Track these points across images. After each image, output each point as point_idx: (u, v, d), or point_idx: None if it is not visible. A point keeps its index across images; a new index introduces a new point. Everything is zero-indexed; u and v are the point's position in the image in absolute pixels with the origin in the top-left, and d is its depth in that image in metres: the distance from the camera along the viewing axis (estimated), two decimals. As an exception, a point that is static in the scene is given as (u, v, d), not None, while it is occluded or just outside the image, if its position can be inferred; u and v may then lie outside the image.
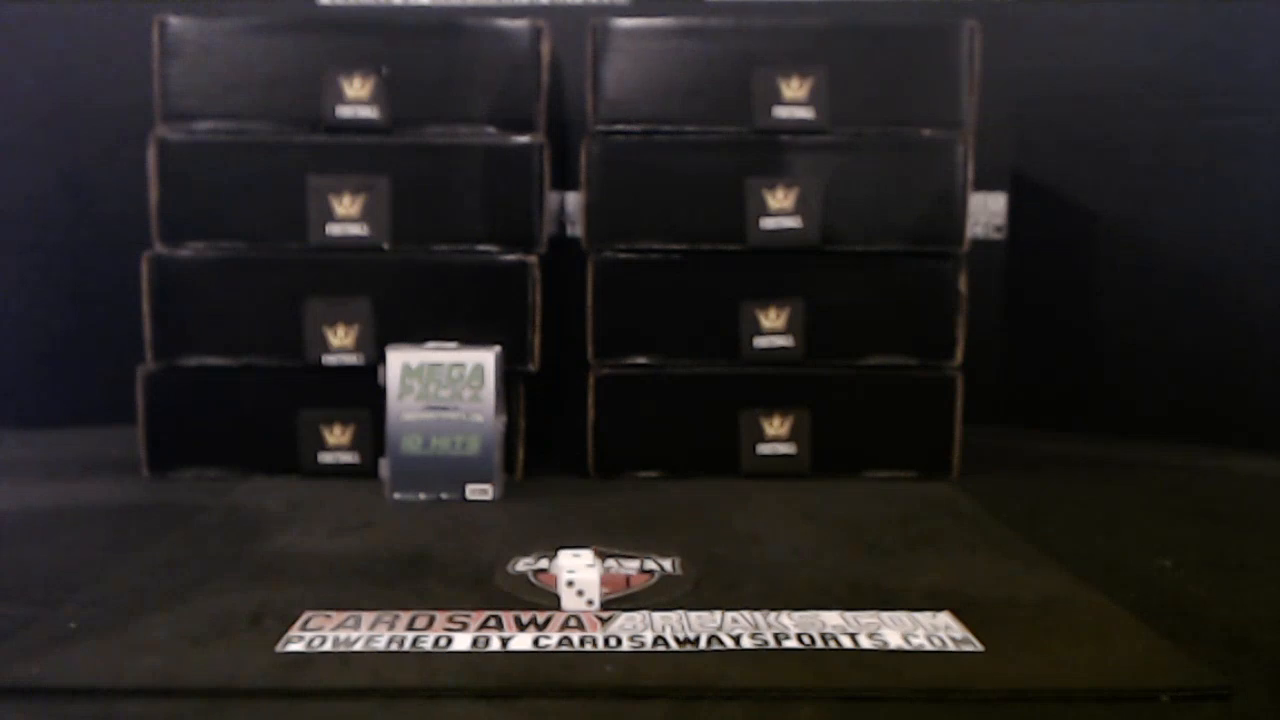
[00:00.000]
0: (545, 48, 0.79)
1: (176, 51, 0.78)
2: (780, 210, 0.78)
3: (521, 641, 0.43)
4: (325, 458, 0.78)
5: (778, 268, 0.79)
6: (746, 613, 0.46)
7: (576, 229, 0.86)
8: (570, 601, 0.47)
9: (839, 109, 0.78)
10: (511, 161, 0.79)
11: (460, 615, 0.45)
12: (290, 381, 0.78)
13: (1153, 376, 1.00)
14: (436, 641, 0.43)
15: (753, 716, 0.37)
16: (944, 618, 0.46)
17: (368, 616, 0.45)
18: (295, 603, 0.47)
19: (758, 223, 0.78)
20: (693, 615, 0.46)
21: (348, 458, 0.78)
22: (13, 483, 0.79)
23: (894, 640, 0.43)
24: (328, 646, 0.42)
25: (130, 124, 0.85)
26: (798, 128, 0.78)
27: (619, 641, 0.43)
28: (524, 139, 0.79)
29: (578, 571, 0.47)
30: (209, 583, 0.51)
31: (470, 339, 0.74)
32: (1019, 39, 1.04)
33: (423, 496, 0.71)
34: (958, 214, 0.78)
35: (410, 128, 0.79)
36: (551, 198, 0.84)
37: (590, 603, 0.47)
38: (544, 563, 0.55)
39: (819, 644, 0.42)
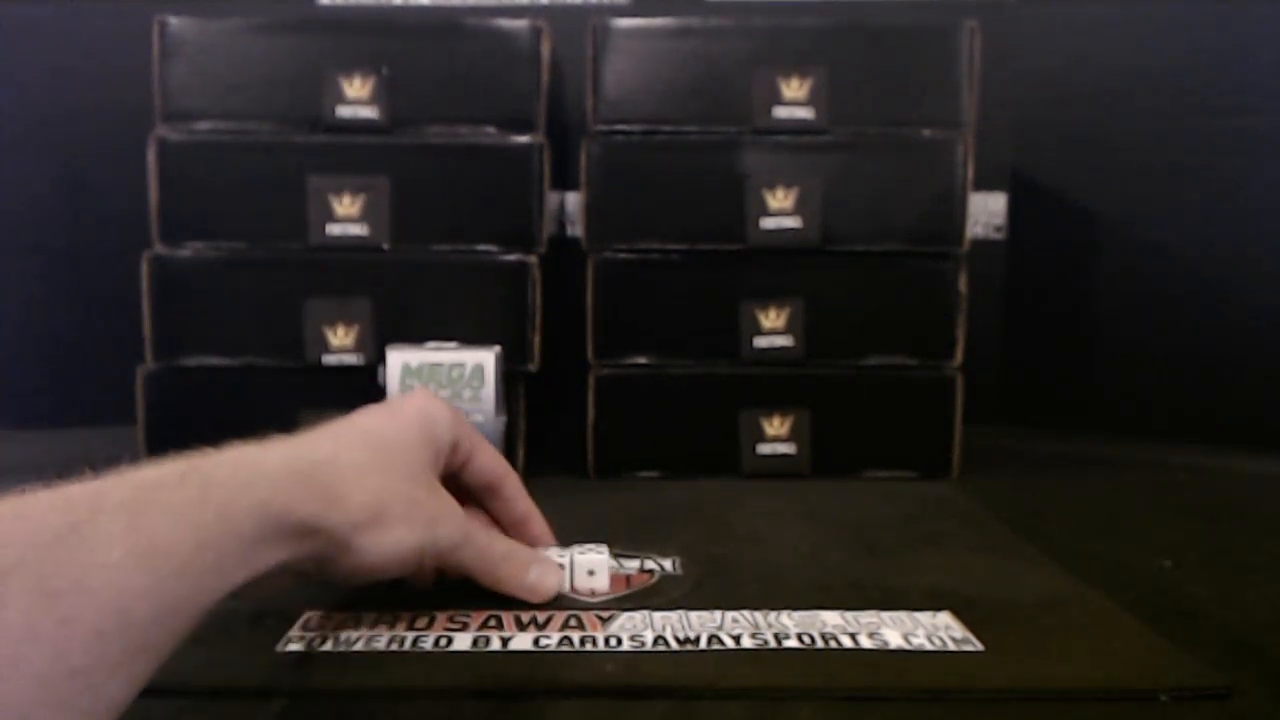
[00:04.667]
0: (545, 48, 0.79)
1: (176, 51, 0.79)
2: (780, 210, 0.78)
3: (522, 641, 0.43)
4: (325, 458, 0.78)
5: (778, 268, 0.79)
6: (746, 612, 0.46)
7: (576, 229, 0.86)
8: (581, 581, 0.49)
9: (839, 109, 0.79)
10: (511, 161, 0.79)
11: (460, 615, 0.45)
12: (290, 381, 0.78)
13: (1153, 376, 1.00)
14: (437, 641, 0.42)
15: (753, 716, 0.37)
16: (944, 617, 0.46)
17: (368, 616, 0.45)
18: (295, 603, 0.47)
19: (758, 223, 0.78)
20: (693, 615, 0.46)
21: (348, 458, 0.78)
22: (13, 483, 0.79)
23: (894, 640, 0.43)
24: (328, 646, 0.42)
25: (130, 124, 0.85)
26: (798, 128, 0.78)
27: (619, 641, 0.43)
28: (524, 139, 0.79)
29: (589, 554, 0.49)
30: (209, 583, 0.51)
31: (470, 339, 0.74)
32: (1019, 39, 1.04)
33: (423, 496, 0.71)
34: (958, 214, 0.78)
35: (410, 128, 0.79)
36: (551, 198, 0.84)
37: (595, 581, 0.49)
38: (544, 563, 0.55)
39: (819, 644, 0.42)
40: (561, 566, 0.49)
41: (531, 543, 0.50)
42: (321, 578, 0.40)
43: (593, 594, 0.49)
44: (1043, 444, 0.98)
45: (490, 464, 0.48)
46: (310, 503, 0.37)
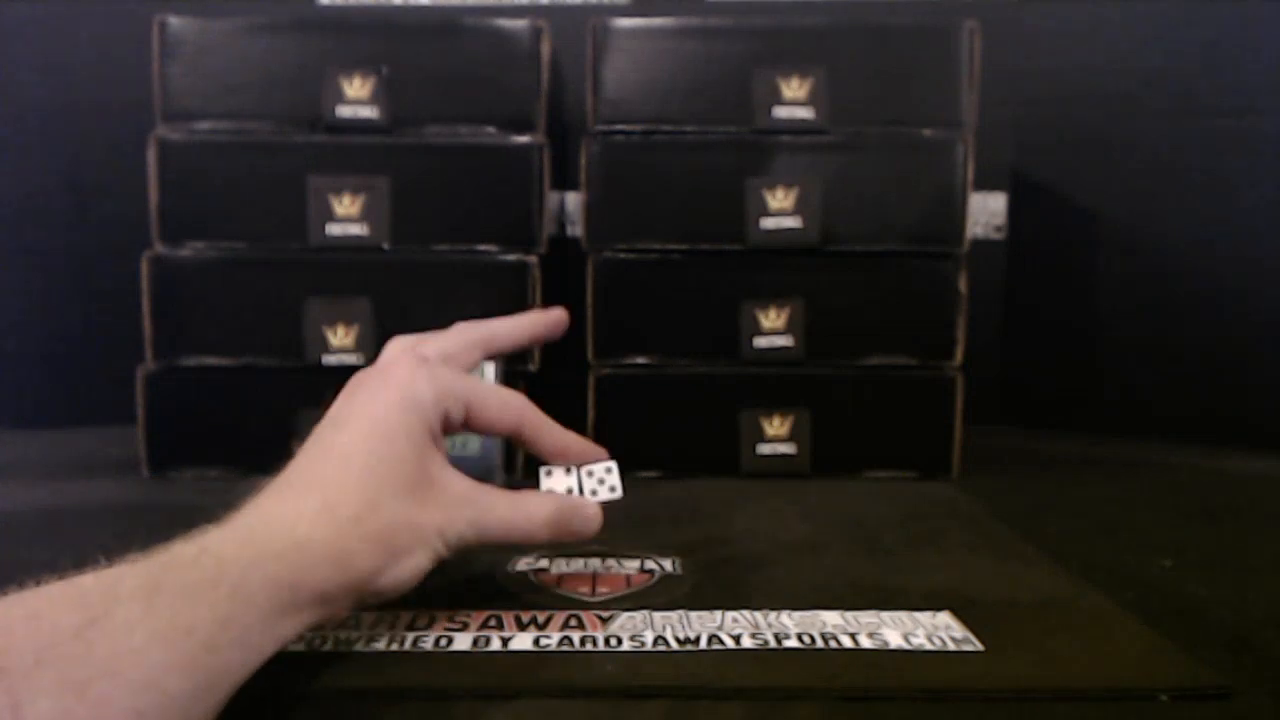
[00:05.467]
0: (545, 48, 0.79)
1: (176, 51, 0.79)
2: (780, 210, 0.78)
3: (522, 641, 0.43)
4: (325, 458, 0.78)
5: (778, 268, 0.79)
6: (746, 612, 0.46)
7: (576, 229, 0.86)
8: (602, 494, 0.48)
9: (839, 109, 0.79)
10: (511, 161, 0.79)
11: (461, 615, 0.45)
12: (290, 381, 0.78)
13: (1152, 376, 1.00)
14: (437, 641, 0.42)
15: (753, 715, 0.37)
16: (944, 617, 0.46)
17: (368, 616, 0.45)
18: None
19: (758, 223, 0.78)
20: (693, 615, 0.46)
21: (348, 458, 0.78)
22: (13, 483, 0.79)
23: (894, 640, 0.43)
24: (328, 646, 0.42)
25: (130, 124, 0.85)
26: (798, 128, 0.78)
27: (619, 641, 0.43)
28: (524, 139, 0.79)
29: (596, 472, 0.48)
30: (209, 583, 0.51)
31: (470, 339, 0.74)
32: (1019, 39, 1.04)
33: (423, 496, 0.71)
34: (958, 214, 0.78)
35: (410, 128, 0.79)
36: (551, 198, 0.84)
37: (613, 490, 0.48)
38: (544, 562, 0.55)
39: (819, 643, 0.42)
40: (570, 491, 0.48)
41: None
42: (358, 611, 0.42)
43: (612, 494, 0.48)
44: (1043, 444, 0.98)
45: (496, 414, 0.45)
46: (318, 571, 0.37)
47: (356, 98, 0.78)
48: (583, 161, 0.79)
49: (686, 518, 0.66)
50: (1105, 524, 0.67)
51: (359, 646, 0.42)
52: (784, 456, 0.79)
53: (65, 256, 1.06)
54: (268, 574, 0.35)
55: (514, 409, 0.46)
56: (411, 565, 0.41)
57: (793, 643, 0.43)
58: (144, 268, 0.77)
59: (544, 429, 0.47)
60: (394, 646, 0.42)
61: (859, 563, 0.55)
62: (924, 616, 0.46)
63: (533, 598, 0.49)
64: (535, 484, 0.49)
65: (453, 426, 0.44)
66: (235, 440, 0.79)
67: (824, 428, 0.79)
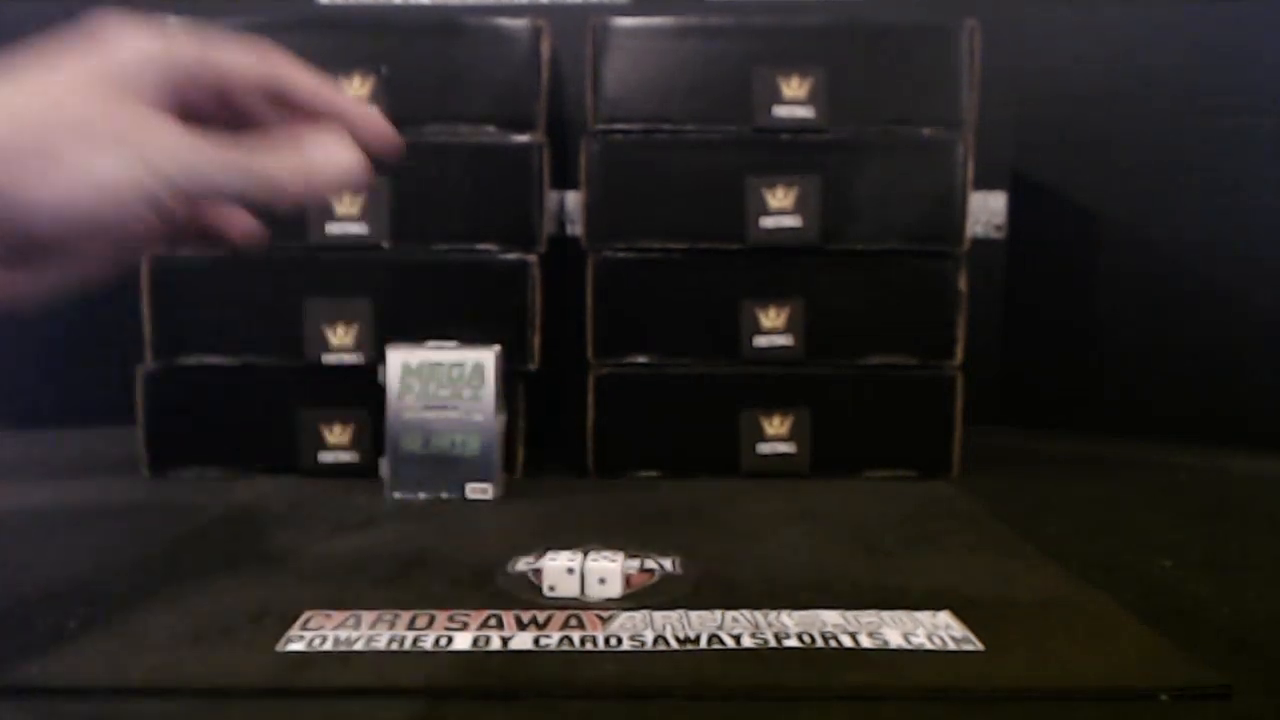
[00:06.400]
0: (545, 48, 0.79)
1: (176, 51, 0.78)
2: (780, 209, 0.78)
3: (522, 641, 0.43)
4: (325, 457, 0.78)
5: (778, 267, 0.79)
6: (746, 612, 0.46)
7: (576, 228, 0.86)
8: (593, 589, 0.49)
9: (839, 108, 0.78)
10: (511, 161, 0.79)
11: (460, 615, 0.45)
12: (290, 381, 0.78)
13: (1152, 376, 1.00)
14: (437, 641, 0.43)
15: (753, 715, 0.37)
16: (944, 617, 0.46)
17: (368, 616, 0.45)
18: (295, 602, 0.47)
19: (758, 222, 0.78)
20: (693, 615, 0.46)
21: (347, 457, 0.78)
22: (13, 483, 0.79)
23: (894, 639, 0.43)
24: (328, 646, 0.42)
25: (130, 123, 0.84)
26: (798, 127, 0.78)
27: (619, 641, 0.43)
28: (524, 139, 0.79)
29: (600, 561, 0.49)
30: (209, 582, 0.51)
31: (470, 338, 0.74)
32: (1019, 39, 1.04)
33: (423, 496, 0.71)
34: (958, 214, 0.78)
35: (410, 128, 0.79)
36: (551, 197, 0.84)
37: (609, 592, 0.49)
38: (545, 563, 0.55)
39: (819, 643, 0.42)
40: (571, 571, 0.49)
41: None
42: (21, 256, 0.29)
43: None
44: (1043, 444, 0.98)
45: (245, 72, 0.34)
46: None
47: (356, 98, 0.78)
48: (583, 161, 0.79)
49: (686, 518, 0.66)
50: (1105, 524, 0.67)
51: (359, 646, 0.42)
52: (784, 456, 0.79)
53: (65, 256, 1.06)
54: None
55: (272, 62, 0.34)
56: (86, 171, 0.28)
57: (793, 642, 0.43)
58: (144, 268, 0.77)
59: (314, 88, 0.35)
60: (394, 646, 0.42)
61: (859, 563, 0.55)
62: (924, 616, 0.46)
63: (532, 598, 0.49)
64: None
65: (184, 92, 0.32)
66: (235, 440, 0.79)
67: (824, 427, 0.79)
